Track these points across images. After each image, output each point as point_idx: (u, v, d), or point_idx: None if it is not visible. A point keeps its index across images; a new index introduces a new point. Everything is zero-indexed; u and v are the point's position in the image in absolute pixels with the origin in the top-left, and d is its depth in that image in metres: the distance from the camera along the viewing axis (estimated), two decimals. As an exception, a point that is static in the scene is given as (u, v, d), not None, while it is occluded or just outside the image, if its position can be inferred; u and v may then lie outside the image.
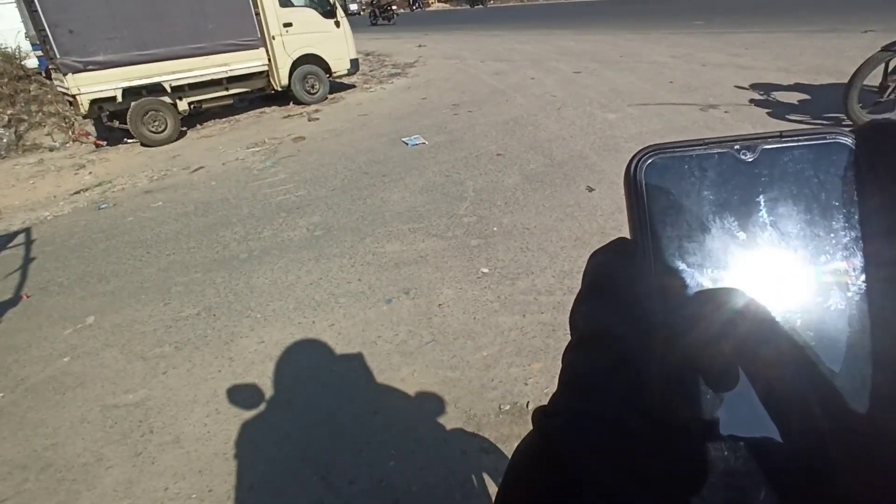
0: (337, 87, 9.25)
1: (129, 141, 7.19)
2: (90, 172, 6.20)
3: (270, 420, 2.20)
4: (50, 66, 7.14)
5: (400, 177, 4.70)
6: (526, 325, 2.53)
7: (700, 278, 0.21)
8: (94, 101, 6.60)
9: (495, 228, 3.51)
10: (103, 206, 5.01)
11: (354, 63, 8.72)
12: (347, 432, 2.06)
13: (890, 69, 4.10)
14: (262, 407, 2.27)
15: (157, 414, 2.29)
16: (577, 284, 2.14)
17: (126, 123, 6.82)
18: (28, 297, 3.42)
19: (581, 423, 0.19)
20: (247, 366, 2.51)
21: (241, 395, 2.35)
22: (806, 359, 0.20)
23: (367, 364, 2.42)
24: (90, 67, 6.46)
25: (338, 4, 8.41)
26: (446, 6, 39.38)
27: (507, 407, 2.09)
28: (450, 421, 2.07)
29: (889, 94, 4.13)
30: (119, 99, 6.72)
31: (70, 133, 7.75)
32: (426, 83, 9.10)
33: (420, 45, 14.34)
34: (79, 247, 4.12)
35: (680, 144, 0.23)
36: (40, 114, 7.75)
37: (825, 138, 0.22)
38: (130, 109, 6.78)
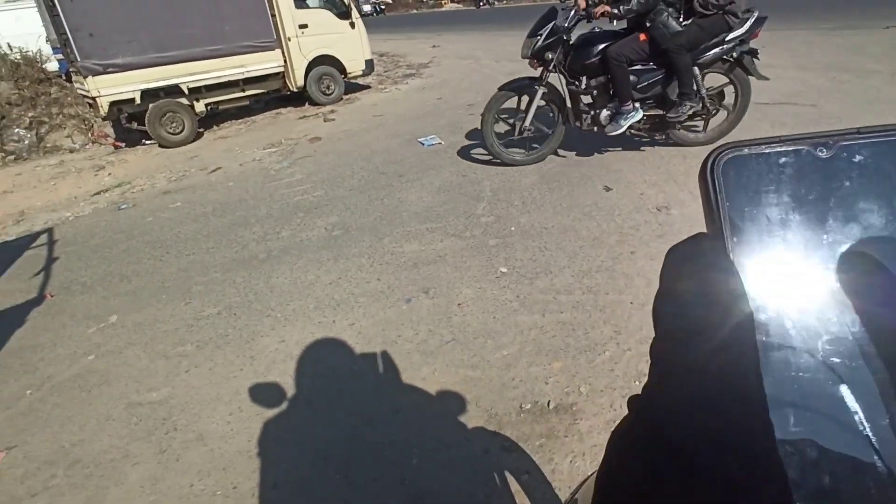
0: (352, 87, 9.30)
1: (148, 142, 7.29)
2: (109, 173, 6.30)
3: (292, 419, 2.22)
4: (70, 69, 7.28)
5: (416, 177, 4.71)
6: (545, 324, 2.52)
7: (781, 275, 0.21)
8: (113, 103, 6.71)
9: (513, 228, 3.51)
10: (123, 206, 5.09)
11: (369, 64, 8.76)
12: (369, 431, 2.07)
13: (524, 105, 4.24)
14: (284, 405, 2.28)
15: (180, 412, 2.32)
16: (596, 284, 2.15)
17: (144, 125, 6.92)
18: (52, 296, 3.48)
19: (680, 407, 0.20)
20: (268, 364, 2.53)
21: (263, 393, 2.36)
22: None
23: (387, 363, 2.43)
24: (110, 70, 6.57)
25: (353, 5, 8.45)
26: (459, 6, 39.41)
27: (528, 406, 2.08)
28: (471, 420, 2.07)
29: (521, 132, 4.27)
30: (137, 101, 6.82)
31: (90, 135, 7.88)
32: (441, 83, 9.11)
33: (434, 46, 14.36)
34: (100, 247, 4.18)
35: (756, 142, 0.23)
36: (61, 116, 7.89)
37: None
38: (149, 111, 6.88)
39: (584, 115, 4.22)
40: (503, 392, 2.16)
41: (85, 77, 6.49)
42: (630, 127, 4.10)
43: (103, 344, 2.89)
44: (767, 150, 0.22)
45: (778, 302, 0.21)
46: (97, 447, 2.18)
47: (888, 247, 0.21)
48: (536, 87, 4.14)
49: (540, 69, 4.18)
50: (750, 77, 4.04)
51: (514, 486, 1.80)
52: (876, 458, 0.20)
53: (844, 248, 0.21)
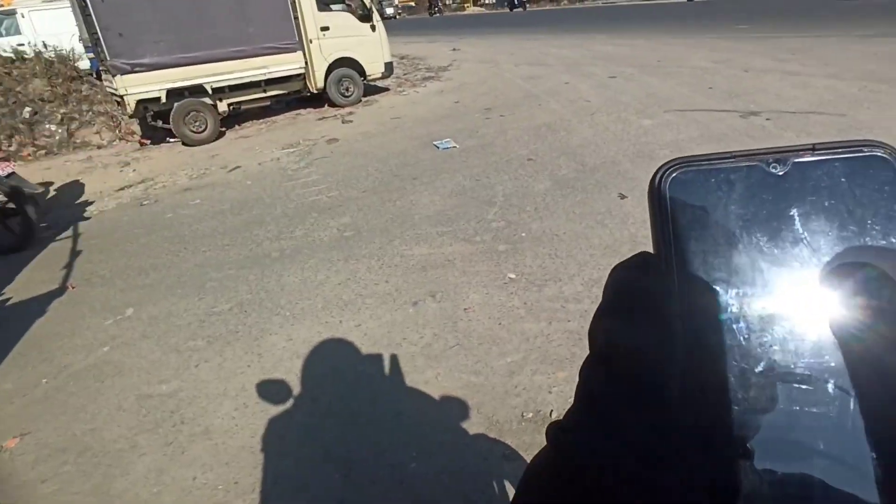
0: (371, 89, 9.37)
1: (172, 140, 7.46)
2: (134, 170, 6.46)
3: (296, 416, 2.24)
4: (101, 68, 7.48)
5: (430, 180, 4.73)
6: (552, 332, 2.51)
7: (726, 295, 0.20)
8: (140, 102, 6.88)
9: (524, 234, 3.49)
10: (145, 202, 5.21)
11: (389, 66, 8.82)
12: (371, 432, 2.08)
13: None
14: (289, 403, 2.31)
15: (188, 405, 2.36)
16: (604, 293, 2.13)
17: (169, 123, 7.08)
18: (73, 287, 3.59)
19: (596, 441, 0.19)
20: (275, 362, 2.57)
21: (269, 390, 2.40)
22: (847, 381, 0.20)
23: (391, 365, 2.44)
24: (137, 69, 6.74)
25: (374, 8, 8.53)
26: (482, 10, 39.44)
27: (530, 415, 2.07)
28: (472, 426, 2.07)
29: None
30: (163, 100, 6.99)
31: (117, 132, 8.09)
32: (459, 87, 9.13)
33: (454, 49, 14.40)
34: (121, 241, 4.29)
35: (707, 157, 0.22)
36: (90, 113, 8.11)
37: (861, 151, 0.21)
38: (173, 110, 7.04)
39: None
40: (506, 399, 2.16)
41: (114, 76, 6.67)
42: None
43: (119, 336, 2.96)
44: (718, 166, 0.22)
45: (719, 324, 0.20)
46: (107, 436, 2.24)
47: (840, 268, 0.20)
48: None
49: None
50: None
51: (512, 495, 1.79)
52: (828, 476, 0.19)
53: (796, 268, 0.20)
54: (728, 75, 7.20)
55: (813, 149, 0.21)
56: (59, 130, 7.79)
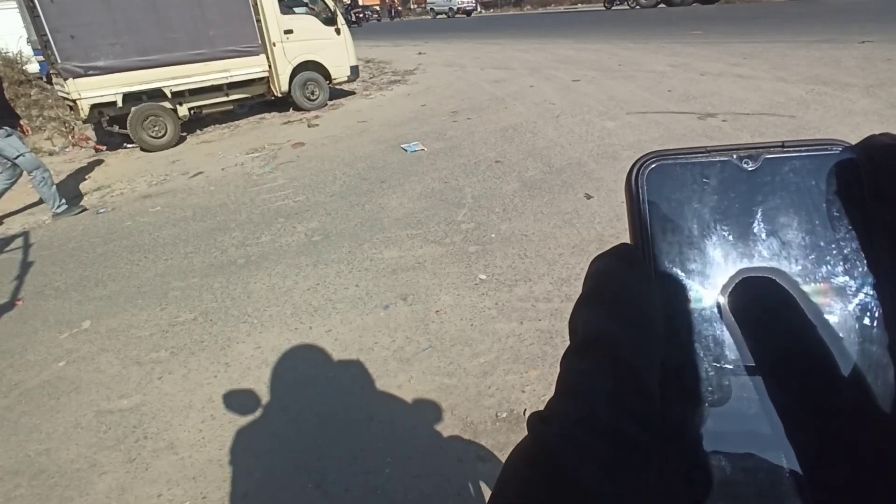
0: (337, 93, 9.29)
1: (129, 146, 7.20)
2: (88, 177, 6.21)
3: (266, 426, 2.19)
4: (51, 71, 7.17)
5: (399, 183, 4.71)
6: (523, 332, 2.52)
7: (700, 286, 0.21)
8: (94, 106, 6.62)
9: (493, 235, 3.51)
10: (102, 210, 5.01)
11: (354, 70, 8.77)
12: (343, 439, 2.05)
13: None
14: (258, 413, 2.25)
15: (151, 419, 2.27)
16: (575, 292, 2.14)
17: (126, 128, 6.83)
18: (20, 302, 3.41)
19: (577, 431, 0.19)
20: (243, 371, 2.50)
21: (237, 400, 2.33)
22: (816, 364, 0.20)
23: (363, 370, 2.41)
24: (91, 73, 6.48)
25: (339, 12, 8.46)
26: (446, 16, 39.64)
27: (504, 414, 2.08)
28: (446, 428, 2.06)
29: None
30: (119, 104, 6.74)
31: (70, 137, 7.77)
32: (426, 90, 9.14)
33: (420, 53, 14.42)
34: (76, 251, 4.11)
35: (682, 151, 0.22)
36: (41, 118, 7.77)
37: (829, 149, 0.22)
38: (130, 114, 6.80)
39: None
40: (479, 400, 2.16)
41: (65, 79, 6.40)
42: None
43: (75, 350, 2.83)
44: (693, 160, 0.22)
45: (695, 315, 0.21)
46: (64, 456, 2.13)
47: (809, 259, 0.21)
48: None
49: None
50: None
51: (489, 496, 1.79)
52: (776, 458, 0.20)
53: (766, 260, 0.21)
54: (685, 79, 7.44)
55: (783, 146, 0.22)
56: (7, 137, 7.41)
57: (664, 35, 12.70)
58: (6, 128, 4.58)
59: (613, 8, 24.66)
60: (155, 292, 3.32)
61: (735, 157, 0.22)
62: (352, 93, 9.60)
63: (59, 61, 6.30)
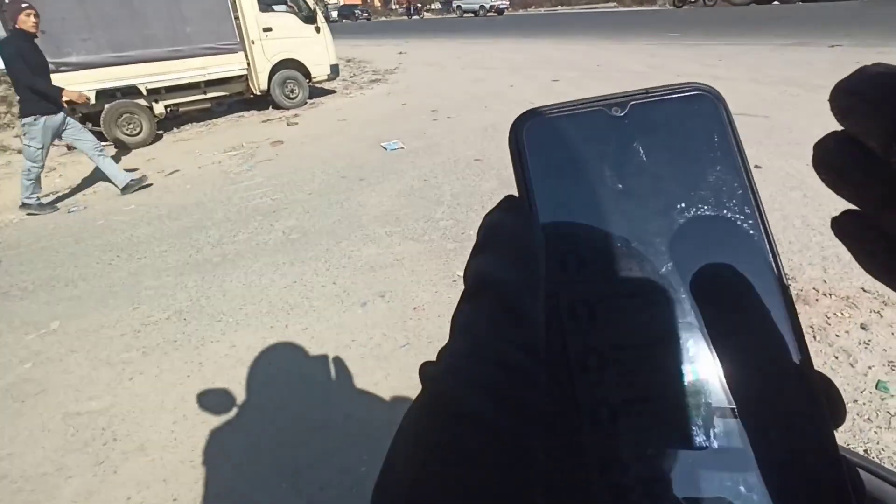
0: (317, 92, 9.21)
1: (103, 144, 7.03)
2: (61, 175, 6.06)
3: (240, 425, 2.15)
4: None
5: (378, 181, 4.69)
6: (501, 328, 2.52)
7: (582, 227, 0.22)
8: (66, 103, 6.44)
9: (472, 233, 3.49)
10: (73, 209, 4.89)
11: (334, 68, 8.71)
12: (318, 437, 2.03)
13: None
14: (233, 412, 2.22)
15: (121, 421, 2.22)
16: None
17: (99, 126, 6.68)
18: (-11, 302, 3.30)
19: (462, 363, 0.19)
20: (217, 370, 2.45)
21: (211, 400, 2.29)
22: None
23: (340, 368, 2.39)
24: (63, 69, 6.31)
25: (318, 10, 8.40)
26: (430, 15, 39.65)
27: (481, 410, 2.07)
28: (423, 424, 2.05)
29: None
30: (92, 101, 6.57)
31: (40, 135, 7.54)
32: (406, 89, 9.12)
33: (401, 52, 14.39)
34: (45, 250, 4.00)
35: (558, 106, 0.24)
36: (9, 115, 7.55)
37: (686, 91, 0.23)
38: (104, 111, 6.65)
39: None
40: (456, 395, 2.15)
41: (35, 75, 6.22)
42: None
43: (43, 351, 2.75)
44: (568, 113, 0.24)
45: (579, 257, 0.22)
46: (29, 460, 2.07)
47: (684, 196, 0.22)
48: None
49: None
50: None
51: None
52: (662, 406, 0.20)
53: (642, 201, 0.22)
54: (662, 80, 7.47)
55: (647, 92, 0.24)
56: (-27, 134, 7.19)
57: (642, 36, 12.88)
58: (37, 115, 4.64)
59: (685, 7, 23.07)
60: (127, 292, 3.25)
61: (605, 106, 0.23)
62: (332, 91, 9.53)
63: (29, 56, 6.12)
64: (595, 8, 32.47)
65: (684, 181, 0.22)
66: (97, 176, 5.80)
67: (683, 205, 0.22)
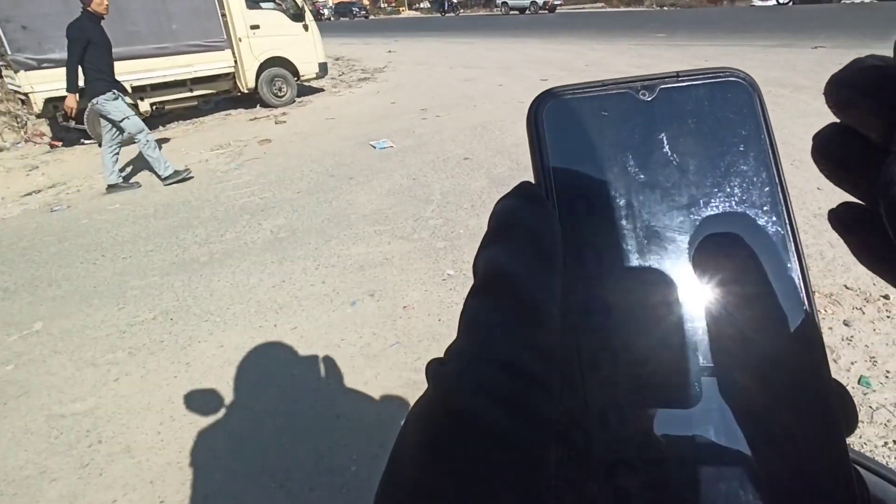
0: (305, 90, 9.15)
1: (87, 142, 6.93)
2: (43, 174, 5.95)
3: (228, 426, 2.13)
4: (0, 63, 6.85)
5: (367, 179, 4.67)
6: (491, 326, 2.53)
7: (602, 219, 0.21)
8: (49, 100, 6.34)
9: (461, 231, 3.52)
10: (57, 208, 4.81)
11: (323, 67, 8.66)
12: (308, 438, 2.01)
13: None
14: (220, 413, 2.20)
15: (106, 423, 2.19)
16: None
17: (83, 123, 6.57)
18: (-31, 302, 3.24)
19: (472, 366, 0.18)
20: (205, 371, 2.43)
21: (198, 400, 2.27)
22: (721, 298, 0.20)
23: (329, 367, 2.38)
24: (45, 65, 6.21)
25: (306, 8, 8.34)
26: (417, 13, 39.56)
27: (471, 408, 2.08)
28: (413, 423, 2.04)
29: None
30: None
31: (22, 133, 7.42)
32: (395, 88, 9.09)
33: (390, 51, 14.35)
34: (28, 250, 3.93)
35: (580, 86, 0.22)
36: (-9, 114, 7.40)
37: (719, 77, 0.22)
38: (87, 109, 6.53)
39: None
40: (446, 394, 2.15)
41: (16, 72, 6.13)
42: None
43: (25, 352, 2.70)
44: (591, 94, 0.22)
45: (597, 251, 0.21)
46: (11, 464, 2.03)
47: (709, 185, 0.21)
48: None
49: None
50: None
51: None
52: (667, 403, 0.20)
53: (667, 189, 0.21)
54: (651, 79, 7.60)
55: (677, 76, 0.22)
56: (-48, 132, 7.05)
57: (630, 37, 12.97)
58: (114, 90, 4.77)
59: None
60: (112, 292, 3.21)
61: (632, 89, 0.22)
62: (321, 90, 9.48)
63: (9, 53, 6.02)
64: (583, 8, 32.50)
65: (712, 175, 0.21)
66: (83, 174, 5.71)
67: (710, 200, 0.21)
